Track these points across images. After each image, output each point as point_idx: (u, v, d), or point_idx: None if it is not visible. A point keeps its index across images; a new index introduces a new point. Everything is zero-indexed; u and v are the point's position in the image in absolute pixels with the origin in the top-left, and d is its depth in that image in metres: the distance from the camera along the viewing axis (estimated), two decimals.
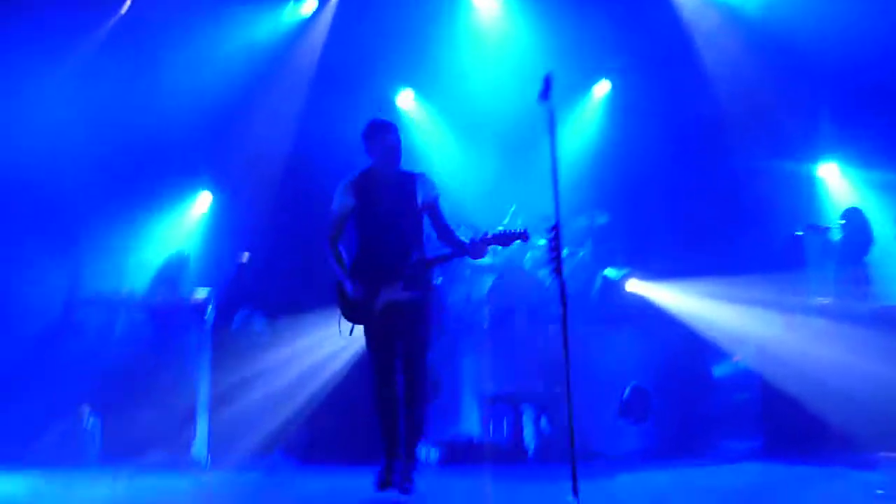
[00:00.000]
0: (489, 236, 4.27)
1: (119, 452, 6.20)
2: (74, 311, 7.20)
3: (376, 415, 4.27)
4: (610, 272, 6.99)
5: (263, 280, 7.38)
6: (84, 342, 6.94)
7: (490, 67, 8.13)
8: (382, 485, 4.07)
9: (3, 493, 4.56)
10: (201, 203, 8.79)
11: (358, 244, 4.33)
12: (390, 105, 8.55)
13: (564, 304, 3.37)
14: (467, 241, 4.31)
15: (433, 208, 4.32)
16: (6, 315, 6.84)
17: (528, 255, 7.36)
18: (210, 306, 6.68)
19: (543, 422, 6.09)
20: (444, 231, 4.36)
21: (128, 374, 6.68)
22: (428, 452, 5.76)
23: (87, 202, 7.77)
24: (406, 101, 8.76)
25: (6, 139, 6.95)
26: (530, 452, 6.03)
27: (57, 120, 7.32)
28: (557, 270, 3.38)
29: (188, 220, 8.55)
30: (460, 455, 5.89)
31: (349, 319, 4.28)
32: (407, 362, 4.20)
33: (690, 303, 6.37)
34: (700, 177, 7.78)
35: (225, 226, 8.53)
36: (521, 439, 6.08)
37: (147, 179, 7.94)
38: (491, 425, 6.11)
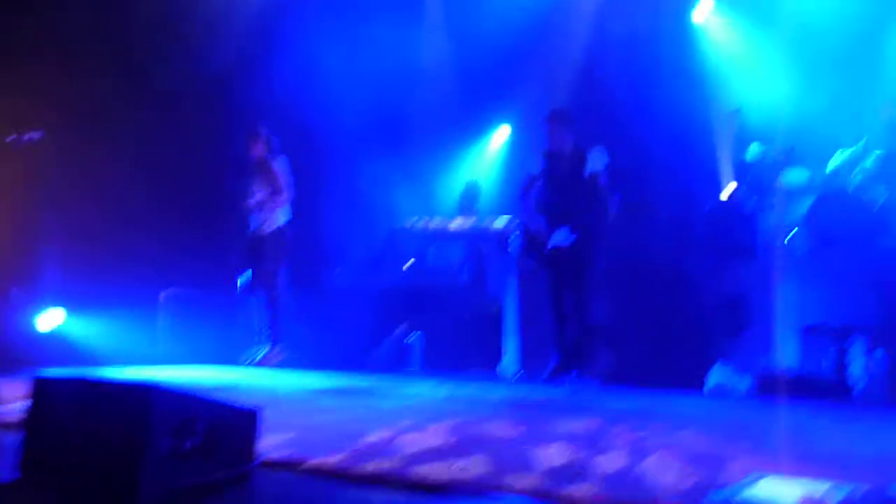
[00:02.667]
0: None
1: (439, 365, 6.87)
2: (391, 241, 7.96)
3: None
4: None
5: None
6: (400, 269, 7.71)
7: None
8: None
9: (349, 384, 5.28)
10: (500, 137, 9.23)
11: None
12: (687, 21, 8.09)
13: None
14: None
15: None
16: (346, 243, 7.71)
17: (856, 170, 6.53)
18: (514, 233, 6.97)
19: (875, 358, 5.47)
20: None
21: (440, 297, 7.31)
22: (739, 381, 5.53)
23: (398, 143, 8.47)
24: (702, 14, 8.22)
25: (341, 87, 7.72)
26: (857, 390, 5.47)
27: (373, 70, 8.00)
28: None
29: (488, 153, 9.00)
30: (774, 387, 5.54)
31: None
32: None
33: None
34: None
35: (522, 156, 8.84)
36: (847, 375, 5.54)
37: (450, 118, 8.45)
38: (811, 358, 5.65)
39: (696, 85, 7.72)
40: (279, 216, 6.13)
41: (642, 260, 6.52)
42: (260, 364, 5.89)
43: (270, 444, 2.77)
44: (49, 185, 6.79)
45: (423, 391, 5.20)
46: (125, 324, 6.86)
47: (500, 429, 3.46)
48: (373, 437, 3.11)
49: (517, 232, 6.94)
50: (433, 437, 3.20)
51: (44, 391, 2.41)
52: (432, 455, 2.77)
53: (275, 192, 6.07)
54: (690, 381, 5.66)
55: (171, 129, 7.64)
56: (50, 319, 6.29)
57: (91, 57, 7.26)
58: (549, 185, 5.35)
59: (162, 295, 7.39)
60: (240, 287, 6.16)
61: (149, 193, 7.36)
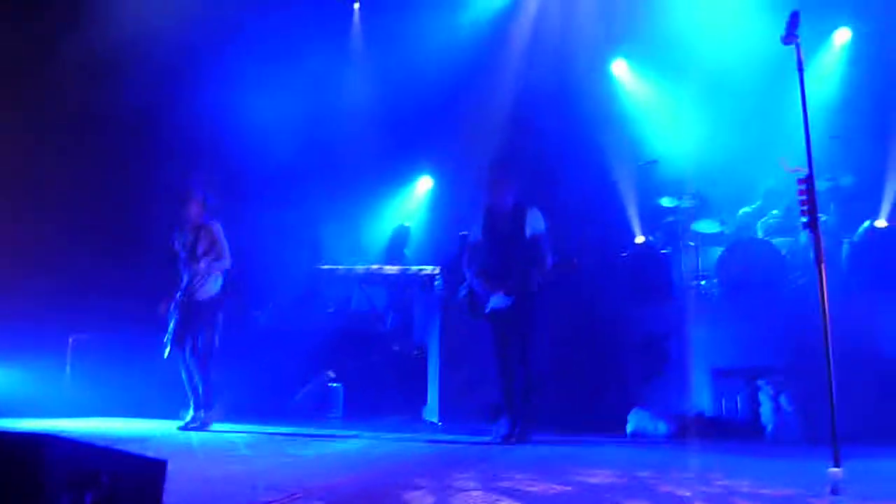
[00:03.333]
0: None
1: (361, 410, 6.75)
2: (317, 283, 7.85)
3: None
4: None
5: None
6: (325, 311, 7.60)
7: (709, 28, 7.71)
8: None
9: (269, 432, 5.11)
10: (423, 186, 9.35)
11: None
12: (604, 74, 8.45)
13: (820, 262, 3.10)
14: None
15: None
16: (271, 283, 7.56)
17: (761, 222, 6.88)
18: (438, 279, 7.00)
19: (783, 399, 5.68)
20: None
21: (364, 341, 7.23)
22: (656, 425, 5.64)
23: (325, 186, 8.44)
24: (620, 69, 8.59)
25: (268, 129, 7.66)
26: (768, 431, 5.66)
27: (300, 112, 7.99)
28: (812, 225, 3.11)
29: (412, 201, 9.09)
30: (690, 429, 5.68)
31: None
32: None
33: None
34: None
35: (444, 206, 8.98)
36: (758, 416, 5.72)
37: (375, 165, 8.51)
38: (724, 401, 5.82)
39: (614, 135, 8.01)
40: (216, 282, 5.93)
41: (563, 306, 6.63)
42: (197, 429, 5.61)
43: (182, 496, 2.64)
44: None
45: (343, 439, 5.09)
46: (29, 372, 6.50)
47: (423, 479, 3.41)
48: (290, 489, 3.02)
49: (440, 280, 6.98)
50: (352, 487, 3.12)
51: None
52: None
53: (216, 257, 5.86)
54: (613, 426, 5.74)
55: (85, 160, 7.34)
56: None
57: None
58: (488, 240, 5.32)
59: (70, 340, 7.03)
60: (168, 350, 5.87)
61: (58, 227, 7.04)
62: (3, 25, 6.95)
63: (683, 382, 5.93)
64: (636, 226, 7.45)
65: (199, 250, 5.84)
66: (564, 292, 6.31)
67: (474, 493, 2.94)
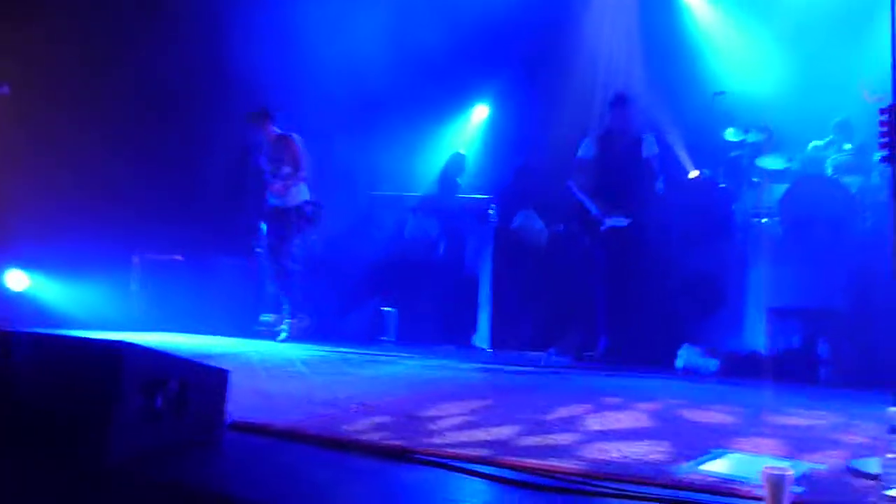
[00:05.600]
0: None
1: (414, 336, 6.88)
2: (372, 209, 7.92)
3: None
4: None
5: (539, 183, 7.50)
6: (379, 237, 7.68)
7: None
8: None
9: (323, 354, 5.27)
10: (478, 115, 9.25)
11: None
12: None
13: None
14: None
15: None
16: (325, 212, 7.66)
17: (831, 159, 6.61)
18: (492, 207, 6.98)
19: (840, 343, 5.56)
20: None
21: (417, 268, 7.31)
22: (707, 362, 5.60)
23: (380, 113, 8.39)
24: None
25: (321, 58, 7.63)
26: (824, 373, 5.57)
27: (351, 39, 7.89)
28: (890, 159, 2.95)
29: (467, 130, 9.00)
30: (741, 368, 5.63)
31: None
32: None
33: None
34: None
35: (499, 136, 8.88)
36: (814, 358, 5.63)
37: (431, 92, 8.39)
38: (779, 341, 5.73)
39: (681, 66, 7.71)
40: (302, 191, 6.25)
41: (617, 240, 6.55)
42: (288, 338, 6.00)
43: (243, 407, 2.76)
44: (16, 146, 6.63)
45: (396, 361, 5.22)
46: (97, 288, 6.78)
47: (469, 403, 3.48)
48: (346, 404, 3.12)
49: (494, 209, 6.95)
50: (408, 404, 3.21)
51: (7, 347, 2.37)
52: (404, 423, 2.79)
53: (296, 167, 6.18)
54: (662, 361, 5.71)
55: (149, 94, 7.50)
56: (18, 279, 6.19)
57: (71, 21, 7.06)
58: (604, 162, 5.54)
59: (135, 259, 7.30)
60: (262, 258, 6.34)
61: (125, 157, 7.23)
62: None
63: (737, 321, 5.85)
64: (700, 159, 7.21)
65: (283, 160, 6.11)
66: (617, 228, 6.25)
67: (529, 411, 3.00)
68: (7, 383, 2.29)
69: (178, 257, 7.35)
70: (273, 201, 6.28)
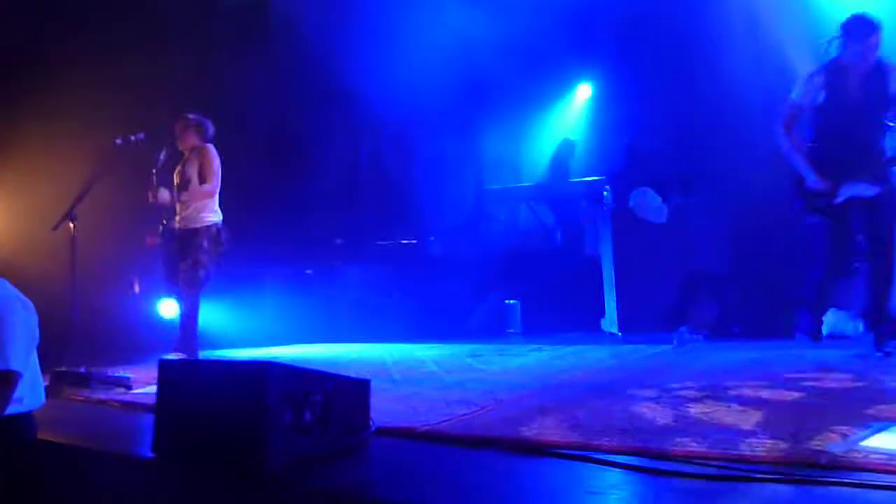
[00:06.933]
0: None
1: (539, 326, 6.87)
2: (484, 203, 7.95)
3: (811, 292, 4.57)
4: None
5: (651, 159, 7.27)
6: (495, 231, 7.71)
7: None
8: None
9: (452, 352, 5.35)
10: (582, 94, 9.05)
11: (815, 134, 4.30)
12: None
13: None
14: None
15: None
16: (438, 210, 7.77)
17: None
18: (606, 188, 6.85)
19: None
20: None
21: (536, 258, 7.29)
22: (855, 325, 5.26)
23: (483, 106, 8.39)
24: None
25: (435, 56, 7.69)
26: None
27: (453, 30, 7.88)
28: None
29: (572, 111, 8.85)
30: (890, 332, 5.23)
31: (803, 210, 4.37)
32: (871, 254, 4.20)
33: None
34: None
35: (606, 113, 8.63)
36: None
37: (532, 78, 8.31)
38: None
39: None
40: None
41: (740, 202, 6.25)
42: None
43: (384, 412, 2.87)
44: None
45: (526, 353, 5.23)
46: (236, 307, 7.18)
47: (609, 390, 3.44)
48: (483, 401, 3.16)
49: (608, 190, 6.79)
50: (543, 398, 3.22)
51: (170, 374, 2.58)
52: (541, 417, 2.80)
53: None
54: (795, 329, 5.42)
55: (266, 127, 7.78)
56: (169, 307, 6.66)
57: (231, 47, 7.39)
58: (835, 105, 4.14)
59: (268, 277, 7.69)
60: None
61: (253, 183, 7.56)
62: None
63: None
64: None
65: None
66: (740, 186, 5.96)
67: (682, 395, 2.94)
68: (169, 408, 2.49)
69: (308, 271, 7.67)
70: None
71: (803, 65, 5.03)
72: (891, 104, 4.17)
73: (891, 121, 4.35)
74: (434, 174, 7.22)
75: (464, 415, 2.90)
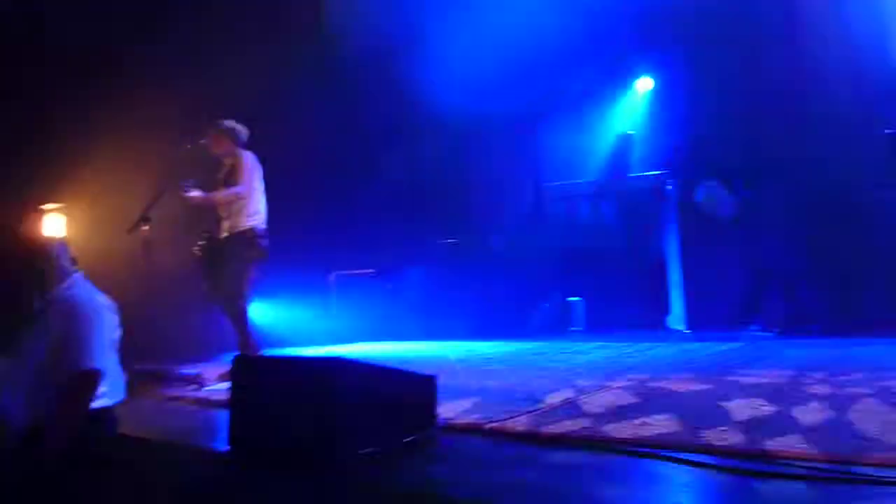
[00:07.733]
0: None
1: (603, 323, 6.78)
2: (545, 201, 7.88)
3: None
4: None
5: (718, 150, 7.08)
6: (557, 228, 7.62)
7: None
8: None
9: (516, 349, 5.33)
10: (642, 87, 8.85)
11: None
12: None
13: None
14: None
15: None
16: (498, 209, 7.72)
17: None
18: (669, 182, 6.70)
19: None
20: None
21: (599, 254, 7.19)
22: None
23: (542, 101, 8.29)
24: None
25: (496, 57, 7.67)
26: None
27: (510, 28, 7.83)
28: None
29: (633, 105, 8.67)
30: None
31: None
32: None
33: None
34: None
35: (667, 106, 8.44)
36: None
37: (591, 71, 8.18)
38: None
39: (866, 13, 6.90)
40: None
41: (812, 196, 6.02)
42: None
43: (450, 408, 2.86)
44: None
45: (591, 351, 5.16)
46: (302, 307, 7.31)
47: (683, 384, 3.37)
48: (550, 399, 3.14)
49: (671, 184, 6.64)
50: (613, 395, 3.17)
51: (243, 371, 2.64)
52: (615, 414, 2.75)
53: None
54: (875, 324, 5.21)
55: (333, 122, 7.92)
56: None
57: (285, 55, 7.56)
58: None
59: (332, 277, 7.80)
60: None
61: (317, 192, 7.69)
62: None
63: None
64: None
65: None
66: (808, 175, 5.76)
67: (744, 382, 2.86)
68: (243, 404, 2.55)
69: (370, 271, 7.76)
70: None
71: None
72: None
73: None
74: (494, 173, 7.19)
75: (530, 411, 2.88)
